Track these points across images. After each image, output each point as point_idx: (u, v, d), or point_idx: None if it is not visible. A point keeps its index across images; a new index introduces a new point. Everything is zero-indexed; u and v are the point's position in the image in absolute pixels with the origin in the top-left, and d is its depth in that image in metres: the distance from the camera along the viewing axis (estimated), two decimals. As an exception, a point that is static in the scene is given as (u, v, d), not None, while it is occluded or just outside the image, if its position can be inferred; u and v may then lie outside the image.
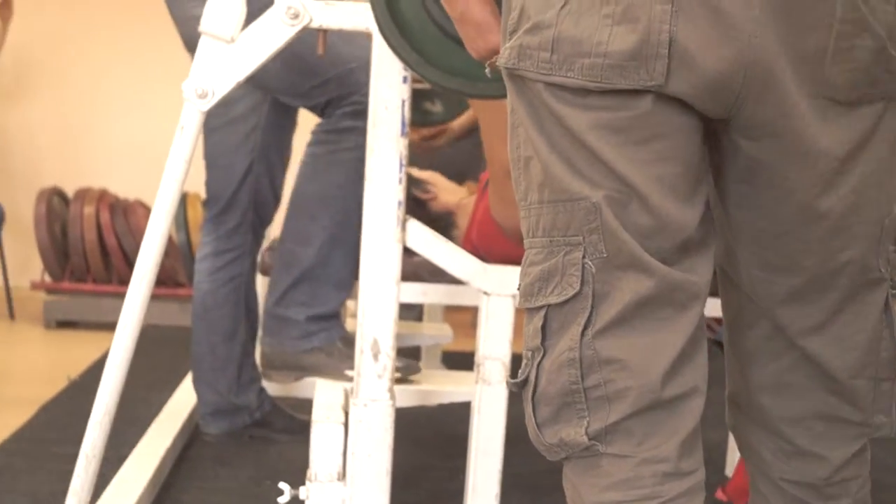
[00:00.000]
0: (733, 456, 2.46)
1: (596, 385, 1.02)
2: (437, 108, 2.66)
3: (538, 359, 1.06)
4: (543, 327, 1.05)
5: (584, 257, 1.02)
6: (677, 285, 1.02)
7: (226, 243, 2.47)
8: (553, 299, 1.04)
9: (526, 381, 1.07)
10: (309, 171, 2.18)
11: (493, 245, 2.06)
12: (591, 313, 1.02)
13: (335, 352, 2.09)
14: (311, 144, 2.21)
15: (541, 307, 1.05)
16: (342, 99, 2.11)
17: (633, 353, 1.01)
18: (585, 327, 1.02)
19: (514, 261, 1.95)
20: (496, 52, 1.23)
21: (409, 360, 2.03)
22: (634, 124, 1.00)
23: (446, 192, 2.30)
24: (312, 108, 2.22)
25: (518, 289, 1.10)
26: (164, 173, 1.73)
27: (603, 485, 1.03)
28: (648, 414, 1.02)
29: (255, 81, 1.98)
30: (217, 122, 2.39)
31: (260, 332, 2.34)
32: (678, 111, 1.00)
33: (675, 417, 1.03)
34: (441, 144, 2.66)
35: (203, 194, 2.54)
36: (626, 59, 0.97)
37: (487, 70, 1.25)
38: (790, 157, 1.03)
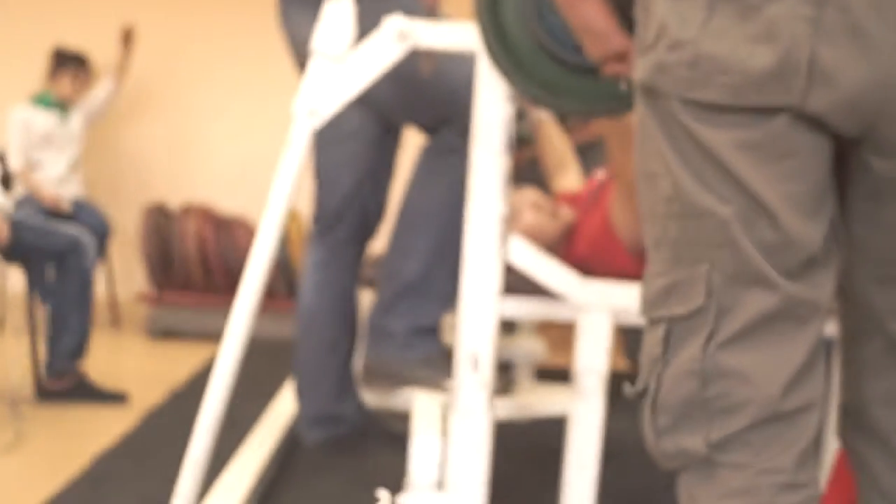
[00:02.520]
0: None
1: (717, 396, 1.05)
2: (520, 127, 2.70)
3: (659, 368, 1.08)
4: (665, 338, 1.07)
5: (709, 271, 1.04)
6: (800, 301, 1.04)
7: (332, 256, 2.52)
8: (677, 311, 1.06)
9: (645, 389, 1.10)
10: (417, 187, 2.23)
11: (611, 260, 2.06)
12: (714, 326, 1.04)
13: (434, 364, 2.13)
14: (420, 161, 2.25)
15: (663, 318, 1.08)
16: (451, 118, 2.14)
17: (755, 366, 1.04)
18: (708, 339, 1.04)
19: (631, 275, 1.96)
20: (614, 56, 1.27)
21: (504, 373, 2.06)
22: (769, 142, 1.01)
23: (545, 211, 2.29)
24: (422, 127, 2.27)
25: (641, 298, 1.12)
26: (272, 189, 1.79)
27: (719, 494, 1.06)
28: (767, 425, 1.04)
29: (367, 100, 2.03)
30: (328, 139, 2.45)
31: (362, 343, 2.39)
32: (812, 130, 1.01)
33: (793, 430, 1.05)
34: (524, 162, 2.71)
35: (300, 209, 2.60)
36: (765, 77, 0.98)
37: (622, 84, 1.28)
38: None
